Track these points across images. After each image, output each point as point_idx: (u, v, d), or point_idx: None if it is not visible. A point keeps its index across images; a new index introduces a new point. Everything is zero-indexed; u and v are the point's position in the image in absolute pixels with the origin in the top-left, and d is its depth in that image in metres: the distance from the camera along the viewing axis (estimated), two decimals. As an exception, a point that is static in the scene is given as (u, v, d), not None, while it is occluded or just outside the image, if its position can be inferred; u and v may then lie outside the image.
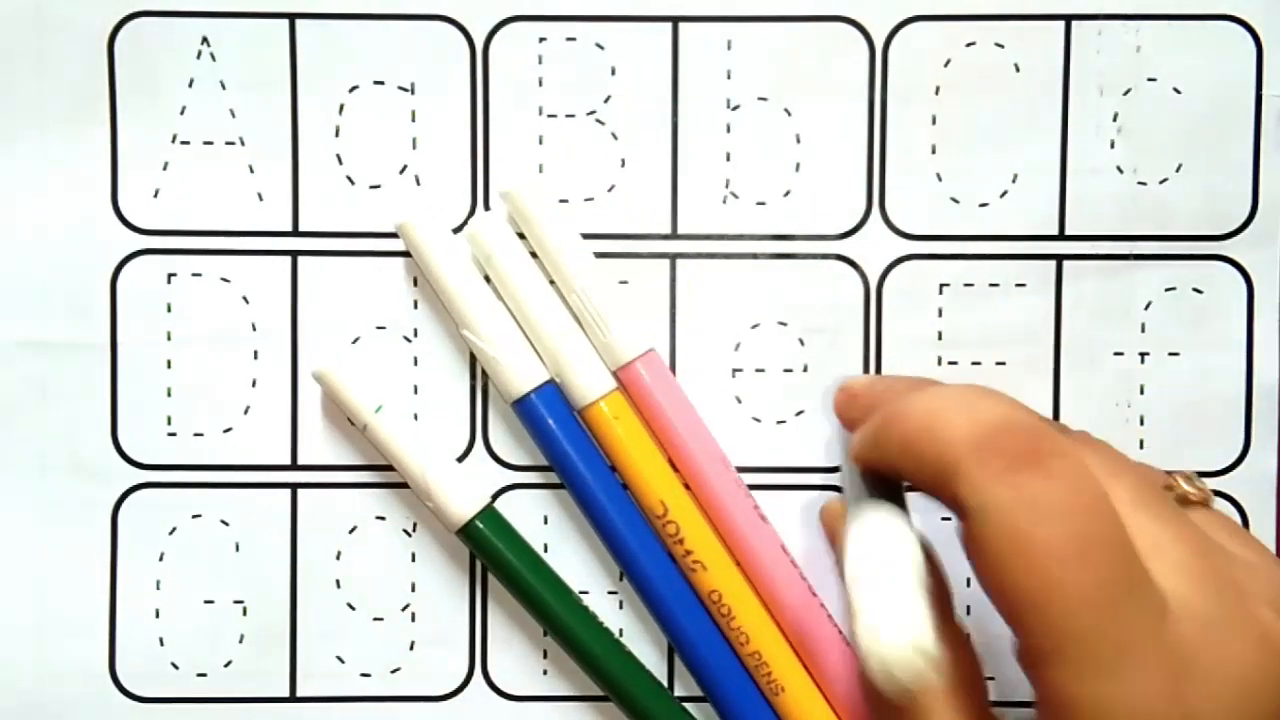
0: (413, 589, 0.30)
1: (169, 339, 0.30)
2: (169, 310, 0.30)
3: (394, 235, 0.29)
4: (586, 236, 0.29)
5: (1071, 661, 0.19)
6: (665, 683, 0.30)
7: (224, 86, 0.30)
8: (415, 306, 0.30)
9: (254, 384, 0.30)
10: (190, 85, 0.30)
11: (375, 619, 0.30)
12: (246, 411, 0.30)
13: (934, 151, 0.30)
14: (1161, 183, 0.30)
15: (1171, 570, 0.20)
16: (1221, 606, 0.20)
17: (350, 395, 0.29)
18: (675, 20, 0.30)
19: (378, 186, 0.30)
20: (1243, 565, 0.21)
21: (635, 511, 0.29)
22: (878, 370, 0.30)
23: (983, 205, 0.30)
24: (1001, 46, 0.29)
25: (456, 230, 0.30)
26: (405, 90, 0.30)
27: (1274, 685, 0.20)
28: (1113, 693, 0.19)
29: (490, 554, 0.29)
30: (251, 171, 0.30)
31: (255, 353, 0.30)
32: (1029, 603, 0.19)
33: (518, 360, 0.28)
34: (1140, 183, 0.30)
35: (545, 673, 0.30)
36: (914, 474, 0.21)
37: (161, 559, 0.30)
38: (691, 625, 0.29)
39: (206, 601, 0.30)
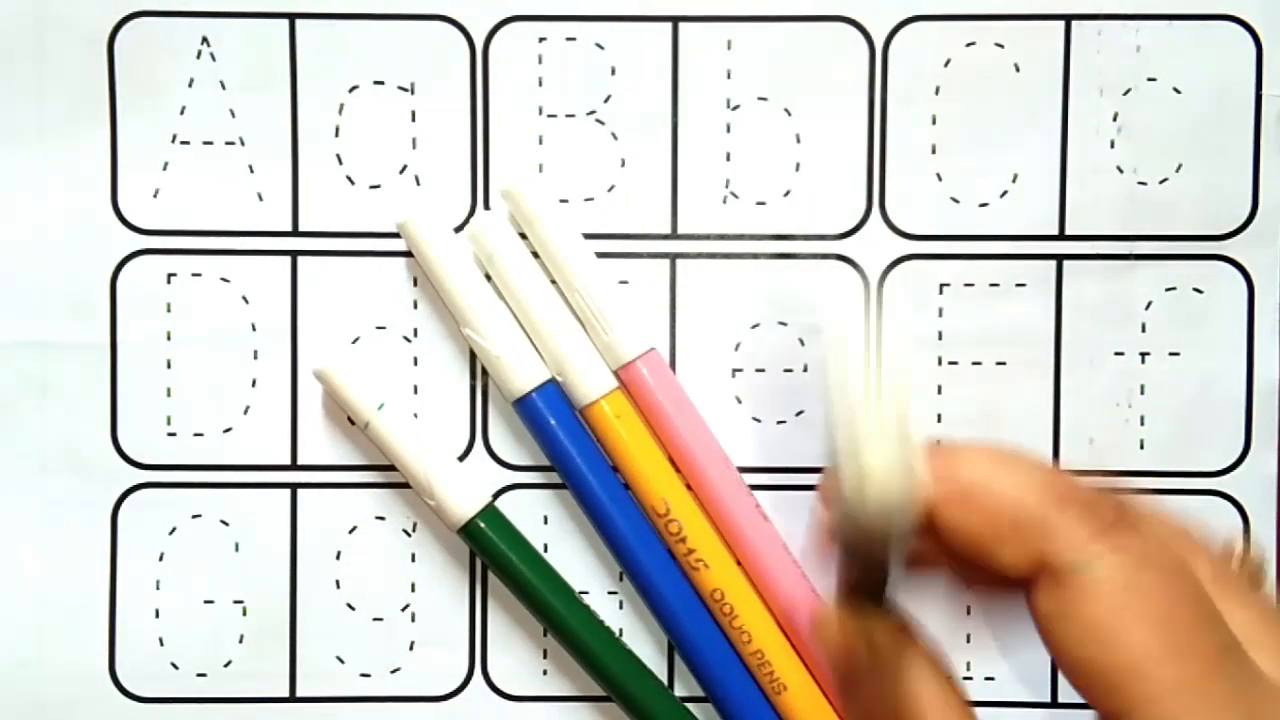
0: (413, 589, 0.30)
1: (169, 339, 0.30)
2: (169, 310, 0.30)
3: (394, 235, 0.29)
4: (586, 236, 0.29)
5: None
6: (666, 683, 0.30)
7: (224, 86, 0.30)
8: (415, 306, 0.30)
9: (254, 384, 0.30)
10: (190, 85, 0.30)
11: (375, 619, 0.30)
12: (246, 411, 0.30)
13: (934, 151, 0.30)
14: (1161, 183, 0.30)
15: (1256, 649, 0.19)
16: None
17: (351, 395, 0.29)
18: (675, 20, 0.29)
19: (378, 186, 0.30)
20: None
21: (636, 510, 0.29)
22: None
23: (983, 205, 0.30)
24: (1001, 46, 0.29)
25: (457, 230, 0.30)
26: (405, 90, 0.30)
27: None
28: None
29: (491, 553, 0.29)
30: (251, 171, 0.30)
31: (255, 353, 0.30)
32: (1139, 662, 0.17)
33: (519, 359, 0.28)
34: (1140, 183, 0.30)
35: (545, 673, 0.30)
36: (966, 534, 0.18)
37: (161, 559, 0.30)
38: (693, 624, 0.29)
39: (206, 601, 0.30)
